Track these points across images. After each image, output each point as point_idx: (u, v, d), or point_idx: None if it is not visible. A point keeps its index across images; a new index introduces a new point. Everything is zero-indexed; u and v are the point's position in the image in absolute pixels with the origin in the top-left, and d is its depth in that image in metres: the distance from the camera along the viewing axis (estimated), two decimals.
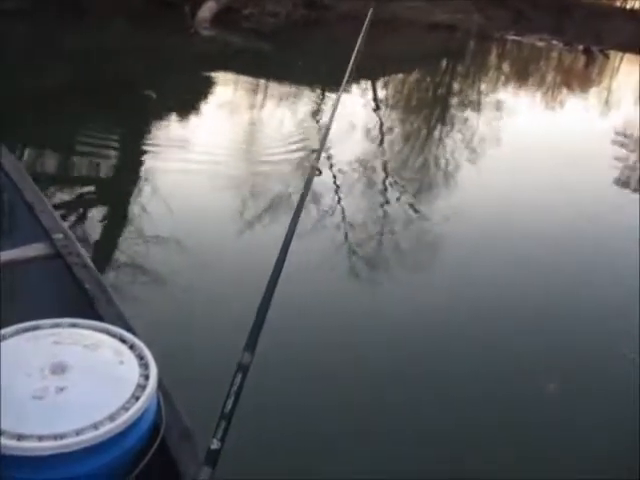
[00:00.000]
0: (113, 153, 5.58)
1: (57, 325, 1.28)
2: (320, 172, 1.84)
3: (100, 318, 1.48)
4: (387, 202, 5.29)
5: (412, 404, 2.71)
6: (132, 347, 1.24)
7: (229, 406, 1.12)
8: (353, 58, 1.77)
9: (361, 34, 1.79)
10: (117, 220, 4.30)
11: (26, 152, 5.31)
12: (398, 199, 5.38)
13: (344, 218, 4.72)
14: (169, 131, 6.54)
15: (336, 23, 13.02)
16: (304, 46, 12.11)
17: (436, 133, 8.36)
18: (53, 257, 1.84)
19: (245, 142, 6.57)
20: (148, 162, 5.42)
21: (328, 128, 1.92)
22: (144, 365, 1.20)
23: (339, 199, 5.09)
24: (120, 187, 5.01)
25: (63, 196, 4.48)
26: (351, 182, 5.59)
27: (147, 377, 1.19)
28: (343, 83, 1.58)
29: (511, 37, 17.52)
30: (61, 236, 1.91)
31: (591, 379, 3.08)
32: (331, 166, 5.94)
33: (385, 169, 6.18)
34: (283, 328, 3.01)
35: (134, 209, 4.49)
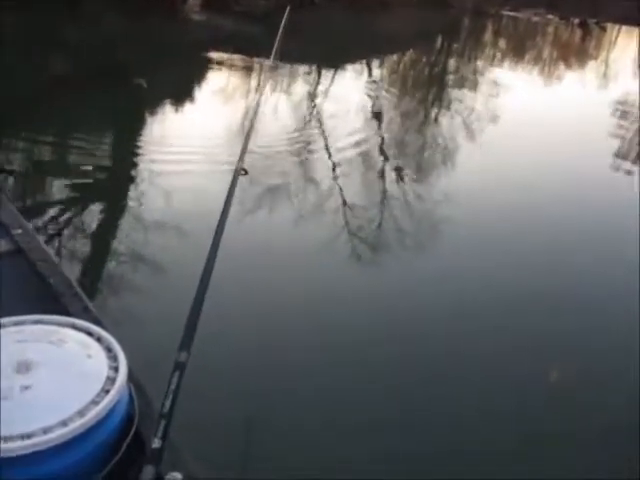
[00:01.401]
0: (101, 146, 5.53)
1: (20, 322, 1.25)
2: (246, 172, 1.77)
3: (66, 312, 1.45)
4: (385, 182, 5.24)
5: (411, 388, 2.68)
6: (99, 340, 1.21)
7: (168, 405, 1.12)
8: (272, 58, 1.67)
9: (278, 36, 1.66)
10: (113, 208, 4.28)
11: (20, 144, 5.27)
12: (396, 179, 5.33)
13: (344, 201, 4.67)
14: (160, 121, 6.48)
15: (327, 5, 12.89)
16: (295, 27, 11.96)
17: (433, 112, 8.28)
18: (14, 253, 1.80)
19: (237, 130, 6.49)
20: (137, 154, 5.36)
21: (251, 128, 1.87)
22: (113, 357, 1.18)
23: (336, 180, 5.05)
24: (112, 179, 4.96)
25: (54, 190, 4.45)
26: (348, 163, 5.54)
27: (116, 369, 1.16)
28: (260, 88, 1.47)
29: (506, 13, 17.34)
30: (20, 231, 1.88)
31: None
32: (327, 147, 5.89)
33: (382, 149, 6.12)
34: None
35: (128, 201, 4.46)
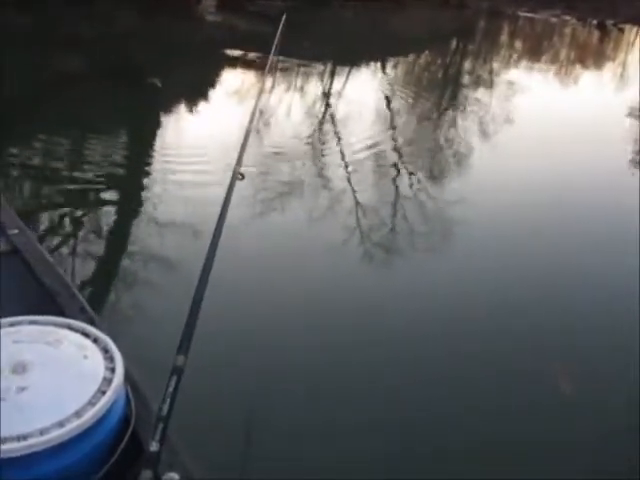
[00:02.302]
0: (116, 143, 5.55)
1: (16, 323, 1.25)
2: (243, 177, 1.74)
3: (62, 313, 1.45)
4: (398, 183, 5.21)
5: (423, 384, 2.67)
6: (96, 341, 1.21)
7: (165, 409, 1.11)
8: (268, 65, 1.60)
9: (275, 41, 1.60)
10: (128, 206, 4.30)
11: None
12: (410, 181, 5.30)
13: (357, 202, 4.65)
14: (173, 120, 6.50)
15: (341, 5, 12.88)
16: (310, 28, 11.98)
17: (448, 113, 8.22)
18: (10, 253, 1.79)
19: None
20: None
21: (248, 132, 1.82)
22: (109, 358, 1.18)
23: (349, 180, 5.03)
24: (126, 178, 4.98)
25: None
26: (362, 164, 5.52)
27: (113, 370, 1.16)
28: (260, 92, 1.42)
29: (523, 14, 17.19)
30: (16, 231, 1.87)
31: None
32: (340, 147, 5.88)
33: (396, 150, 6.09)
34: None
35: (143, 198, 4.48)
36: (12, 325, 1.25)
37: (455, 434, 2.42)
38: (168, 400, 1.12)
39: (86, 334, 1.24)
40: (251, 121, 1.73)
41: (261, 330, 2.88)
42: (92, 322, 1.36)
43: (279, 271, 3.49)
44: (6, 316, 1.27)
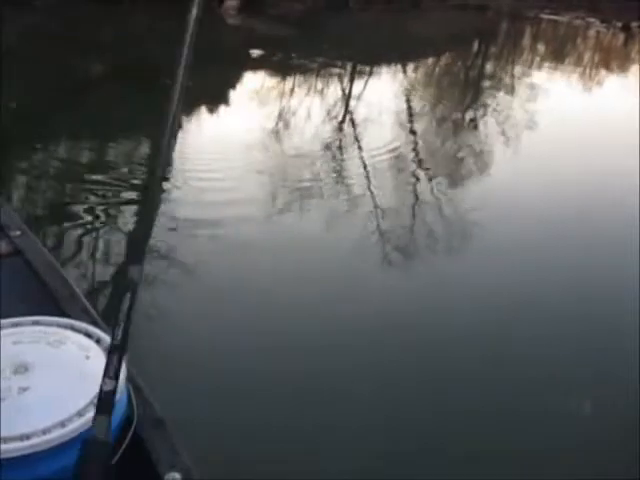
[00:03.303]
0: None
1: (18, 324, 1.26)
2: (162, 182, 1.43)
3: (65, 314, 1.45)
4: (417, 186, 5.17)
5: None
6: (98, 341, 1.21)
7: (119, 335, 0.98)
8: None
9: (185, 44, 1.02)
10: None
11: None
12: (429, 184, 5.26)
13: (375, 205, 4.64)
14: (193, 121, 6.53)
15: (361, 8, 12.87)
16: (329, 31, 11.99)
17: (468, 116, 8.15)
18: (12, 254, 1.80)
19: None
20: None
21: (166, 148, 1.27)
22: None
23: (368, 183, 5.02)
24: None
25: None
26: (380, 166, 5.50)
27: None
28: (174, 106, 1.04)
29: (546, 16, 17.00)
30: (19, 233, 1.88)
31: None
32: (359, 150, 5.86)
33: (416, 153, 6.06)
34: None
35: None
36: (14, 326, 1.25)
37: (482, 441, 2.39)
38: (122, 324, 0.98)
39: (89, 335, 1.24)
40: (168, 140, 1.20)
41: (275, 332, 2.88)
42: (95, 323, 1.36)
43: (295, 271, 3.49)
44: (8, 317, 1.27)
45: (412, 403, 2.59)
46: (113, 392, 0.97)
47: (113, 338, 0.98)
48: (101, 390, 0.97)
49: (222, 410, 2.31)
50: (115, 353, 0.98)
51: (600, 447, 2.43)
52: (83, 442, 0.98)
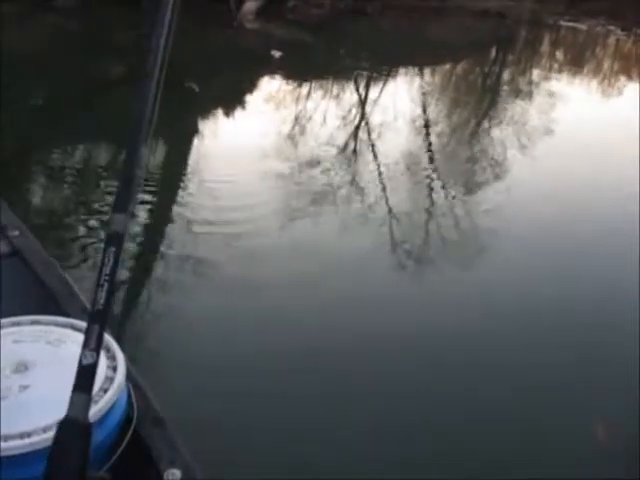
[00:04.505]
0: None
1: (17, 323, 1.26)
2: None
3: (64, 313, 1.45)
4: (432, 193, 5.14)
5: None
6: None
7: (103, 297, 0.84)
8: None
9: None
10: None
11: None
12: (445, 192, 5.22)
13: (390, 210, 4.62)
14: (210, 124, 6.57)
15: (379, 14, 12.86)
16: (347, 36, 12.01)
17: (485, 123, 8.10)
18: (11, 255, 1.80)
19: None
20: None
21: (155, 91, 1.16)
22: (111, 357, 1.19)
23: (383, 189, 5.00)
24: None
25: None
26: (395, 172, 5.47)
27: (115, 369, 1.16)
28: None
29: (565, 23, 16.87)
30: (17, 233, 1.88)
31: None
32: (375, 156, 5.85)
33: (432, 160, 6.03)
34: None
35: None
36: (14, 325, 1.26)
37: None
38: (105, 285, 0.84)
39: None
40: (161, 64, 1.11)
41: (289, 337, 2.87)
42: None
43: (309, 277, 3.48)
44: (8, 317, 1.28)
45: (425, 410, 2.57)
46: (93, 366, 0.86)
47: (94, 303, 0.85)
48: (80, 364, 0.85)
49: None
50: (96, 321, 0.85)
51: None
52: (58, 423, 0.89)
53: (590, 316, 3.41)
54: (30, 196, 4.43)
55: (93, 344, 0.85)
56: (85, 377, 0.86)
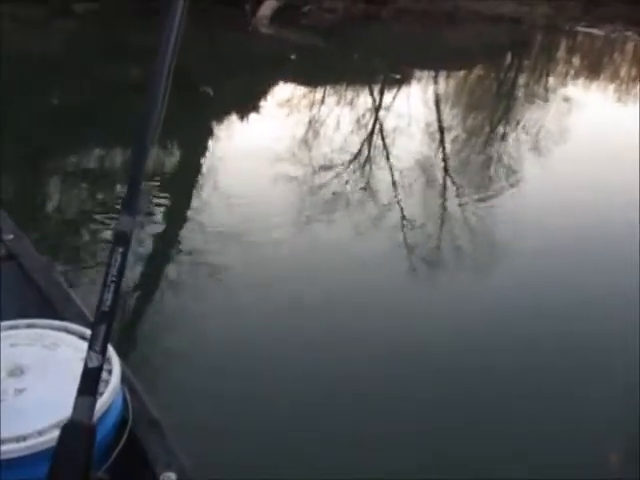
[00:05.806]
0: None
1: (13, 327, 1.26)
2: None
3: (59, 317, 1.44)
4: (446, 200, 5.11)
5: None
6: None
7: (109, 300, 0.83)
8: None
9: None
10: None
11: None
12: (458, 198, 5.18)
13: (403, 216, 4.59)
14: (224, 129, 6.59)
15: (393, 19, 12.87)
16: (360, 41, 12.01)
17: (500, 129, 8.05)
18: (6, 259, 1.80)
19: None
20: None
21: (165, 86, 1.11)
22: (107, 360, 1.15)
23: (396, 195, 4.98)
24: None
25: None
26: (409, 178, 5.45)
27: (110, 372, 1.16)
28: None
29: (582, 29, 16.75)
30: (12, 237, 1.88)
31: None
32: (388, 161, 5.83)
33: (445, 165, 5.99)
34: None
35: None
36: (10, 329, 1.25)
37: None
38: (111, 286, 0.82)
39: (83, 337, 1.23)
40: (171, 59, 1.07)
41: (299, 341, 2.86)
42: (89, 325, 1.35)
43: (320, 281, 3.47)
44: (4, 320, 1.27)
45: (436, 414, 2.54)
46: (99, 369, 0.84)
47: (100, 304, 0.83)
48: (85, 366, 0.83)
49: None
50: (102, 322, 0.83)
51: None
52: (62, 427, 0.87)
53: (606, 323, 3.35)
54: (50, 198, 4.45)
55: (99, 346, 0.84)
56: (90, 380, 0.85)
